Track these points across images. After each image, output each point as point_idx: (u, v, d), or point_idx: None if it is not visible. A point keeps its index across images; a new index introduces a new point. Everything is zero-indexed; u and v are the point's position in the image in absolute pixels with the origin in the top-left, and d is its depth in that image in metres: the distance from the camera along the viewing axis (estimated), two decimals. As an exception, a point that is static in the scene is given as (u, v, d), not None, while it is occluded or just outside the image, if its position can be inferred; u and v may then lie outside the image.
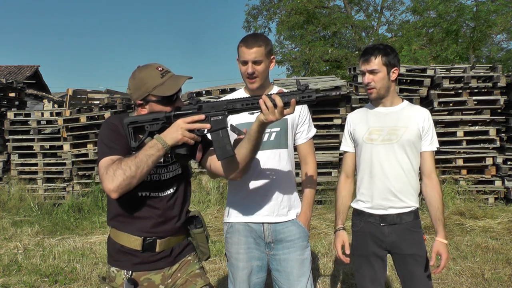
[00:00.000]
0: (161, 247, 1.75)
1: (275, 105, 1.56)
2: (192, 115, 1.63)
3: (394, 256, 2.16)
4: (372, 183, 2.13)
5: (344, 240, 2.20)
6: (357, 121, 2.22)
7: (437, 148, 2.15)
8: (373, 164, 2.12)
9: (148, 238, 1.72)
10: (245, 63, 1.98)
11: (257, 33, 2.25)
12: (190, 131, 1.60)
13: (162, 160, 1.72)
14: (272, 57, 2.04)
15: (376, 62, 2.07)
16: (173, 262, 1.80)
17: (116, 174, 1.51)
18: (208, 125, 1.62)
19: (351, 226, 2.26)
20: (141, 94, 1.66)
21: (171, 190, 1.77)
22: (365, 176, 2.16)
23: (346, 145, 2.29)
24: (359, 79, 6.74)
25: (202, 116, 1.63)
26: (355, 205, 2.24)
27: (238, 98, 1.68)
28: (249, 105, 1.63)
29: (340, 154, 6.75)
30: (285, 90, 1.67)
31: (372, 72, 2.08)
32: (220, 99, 1.75)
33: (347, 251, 2.19)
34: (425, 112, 2.15)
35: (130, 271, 1.72)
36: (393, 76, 2.11)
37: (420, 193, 2.18)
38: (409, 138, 2.08)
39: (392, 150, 2.09)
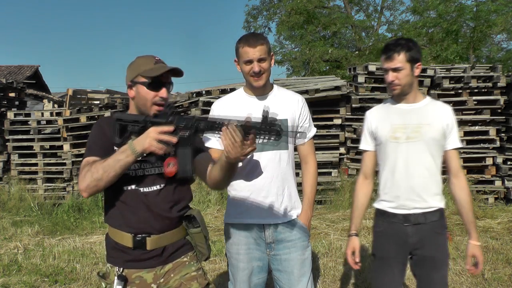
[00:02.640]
0: (152, 245, 1.74)
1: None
2: (164, 125, 1.61)
3: (413, 257, 2.10)
4: (395, 183, 2.06)
5: (355, 247, 2.15)
6: (379, 118, 2.12)
7: (460, 146, 2.09)
8: (397, 163, 2.04)
9: (138, 236, 1.72)
10: (249, 62, 1.97)
11: (254, 32, 2.23)
12: (160, 141, 1.58)
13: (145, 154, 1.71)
14: (272, 54, 2.05)
15: (400, 59, 1.97)
16: (165, 261, 1.78)
17: (86, 176, 1.59)
18: (174, 139, 1.58)
19: (372, 226, 2.21)
20: (131, 76, 1.74)
21: (158, 187, 1.75)
22: (389, 175, 2.08)
23: (366, 144, 2.18)
24: (359, 79, 6.75)
25: (171, 128, 1.59)
26: (378, 205, 2.16)
27: (206, 118, 1.62)
28: (213, 127, 1.53)
29: (341, 154, 6.76)
30: (253, 118, 1.46)
31: (395, 69, 1.98)
32: (211, 116, 1.70)
33: (357, 259, 2.16)
34: (448, 109, 2.08)
35: (122, 268, 1.74)
36: (417, 71, 2.02)
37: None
38: (433, 136, 2.01)
39: (416, 149, 2.02)
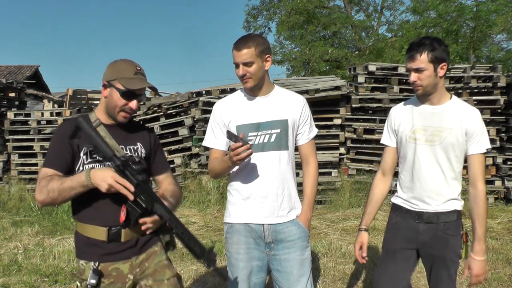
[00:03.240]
0: (126, 237, 1.79)
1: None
2: (127, 181, 1.65)
3: (423, 254, 2.10)
4: (411, 183, 2.06)
5: (363, 241, 2.16)
6: (403, 117, 2.11)
7: (487, 149, 2.00)
8: (414, 164, 2.04)
9: (113, 228, 1.76)
10: (237, 65, 1.98)
11: (250, 34, 2.19)
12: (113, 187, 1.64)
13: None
14: (266, 56, 2.01)
15: (422, 59, 1.92)
16: (139, 252, 1.84)
17: (42, 191, 1.66)
18: (131, 197, 1.66)
19: (388, 219, 2.24)
20: (109, 76, 1.79)
21: None
22: (407, 175, 2.09)
23: (387, 139, 2.18)
24: (359, 79, 6.75)
25: (131, 188, 1.65)
26: (394, 200, 2.19)
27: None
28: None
29: (341, 154, 6.76)
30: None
31: (417, 70, 1.95)
32: None
33: (364, 254, 2.17)
34: (474, 112, 2.00)
35: (97, 262, 1.76)
36: (441, 72, 1.97)
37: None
38: (452, 141, 1.98)
39: (434, 152, 2.00)
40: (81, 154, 1.76)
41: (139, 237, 1.84)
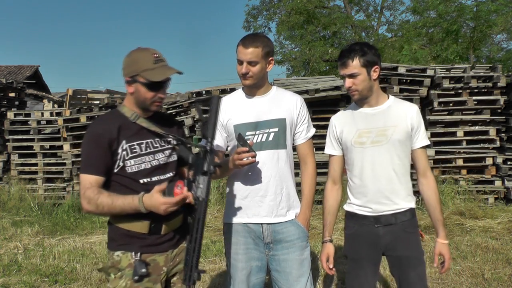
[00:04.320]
0: (165, 230, 1.81)
1: None
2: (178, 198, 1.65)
3: (388, 258, 2.11)
4: (364, 187, 2.06)
5: (329, 253, 2.18)
6: (344, 123, 2.13)
7: (427, 144, 2.08)
8: (364, 168, 2.05)
9: (154, 222, 1.77)
10: (240, 62, 1.98)
11: (258, 33, 2.20)
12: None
13: (158, 145, 1.83)
14: (270, 58, 2.03)
15: (354, 65, 1.96)
16: (175, 245, 1.88)
17: (91, 202, 1.68)
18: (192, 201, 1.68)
19: (343, 229, 2.22)
20: (131, 72, 1.74)
21: (171, 174, 1.86)
22: (357, 180, 2.09)
23: (332, 149, 2.19)
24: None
25: (191, 200, 1.67)
26: (347, 207, 2.17)
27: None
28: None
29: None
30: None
31: (351, 76, 1.98)
32: None
33: (331, 265, 2.18)
34: (413, 108, 2.07)
35: (139, 253, 1.76)
36: (375, 75, 2.00)
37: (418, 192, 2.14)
38: (399, 137, 2.01)
39: (382, 152, 2.02)
40: (119, 150, 1.74)
41: (176, 230, 1.87)
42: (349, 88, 2.03)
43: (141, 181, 1.77)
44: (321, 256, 2.20)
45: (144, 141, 1.80)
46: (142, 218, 1.74)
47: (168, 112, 7.12)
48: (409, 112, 2.04)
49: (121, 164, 1.75)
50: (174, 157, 1.89)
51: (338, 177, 2.23)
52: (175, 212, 1.75)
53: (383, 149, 2.02)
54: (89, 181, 1.71)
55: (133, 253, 1.76)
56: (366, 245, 2.09)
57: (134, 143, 1.78)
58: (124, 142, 1.75)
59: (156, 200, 1.64)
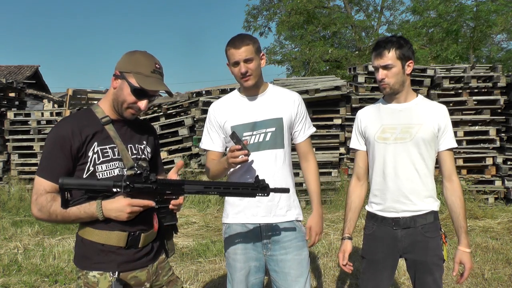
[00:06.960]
0: (143, 242, 1.69)
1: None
2: (143, 198, 1.56)
3: (406, 261, 2.07)
4: (384, 184, 2.01)
5: (346, 250, 2.12)
6: (369, 118, 2.08)
7: (454, 146, 2.01)
8: (386, 165, 1.99)
9: (132, 233, 1.65)
10: (236, 64, 1.97)
11: (242, 33, 2.21)
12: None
13: (133, 150, 1.72)
14: (261, 54, 2.03)
15: (390, 56, 1.92)
16: (153, 259, 1.76)
17: (42, 210, 1.55)
18: (154, 204, 1.57)
19: (363, 228, 2.18)
20: (124, 67, 1.64)
21: None
22: (378, 177, 2.03)
23: (356, 143, 2.14)
24: (359, 79, 6.74)
25: (152, 203, 1.57)
26: (368, 207, 2.13)
27: (195, 181, 1.67)
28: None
29: (341, 154, 6.76)
30: None
31: (385, 67, 1.93)
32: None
33: (344, 261, 2.14)
34: (442, 108, 2.01)
35: (116, 272, 1.62)
36: (408, 69, 1.96)
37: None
38: (423, 136, 1.95)
39: (406, 150, 1.96)
40: (90, 153, 1.60)
41: (153, 242, 1.76)
42: (381, 81, 1.96)
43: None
44: (339, 253, 2.16)
45: (117, 146, 1.67)
46: (118, 228, 1.61)
47: (168, 112, 7.12)
48: (437, 112, 1.99)
49: (91, 168, 1.60)
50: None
51: (363, 173, 2.16)
52: (149, 222, 1.66)
53: (406, 146, 1.97)
54: (43, 186, 1.56)
55: (110, 273, 1.61)
56: (384, 248, 2.05)
57: (107, 146, 1.64)
58: (95, 144, 1.61)
59: (118, 201, 1.53)
